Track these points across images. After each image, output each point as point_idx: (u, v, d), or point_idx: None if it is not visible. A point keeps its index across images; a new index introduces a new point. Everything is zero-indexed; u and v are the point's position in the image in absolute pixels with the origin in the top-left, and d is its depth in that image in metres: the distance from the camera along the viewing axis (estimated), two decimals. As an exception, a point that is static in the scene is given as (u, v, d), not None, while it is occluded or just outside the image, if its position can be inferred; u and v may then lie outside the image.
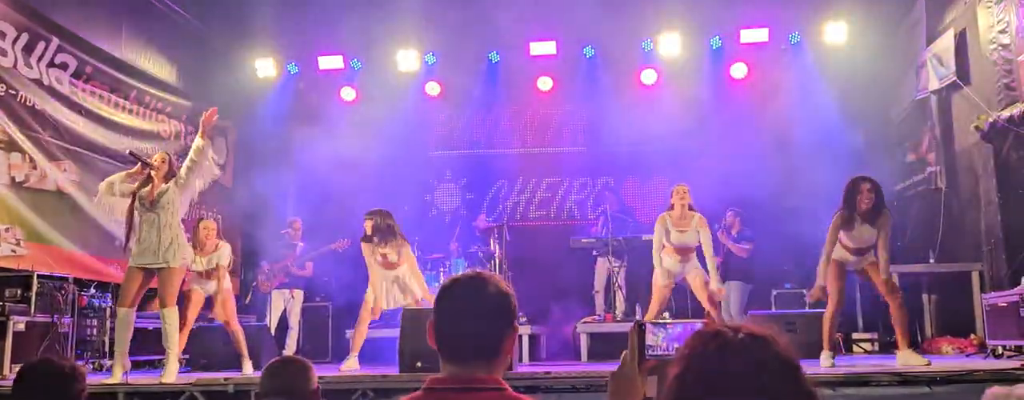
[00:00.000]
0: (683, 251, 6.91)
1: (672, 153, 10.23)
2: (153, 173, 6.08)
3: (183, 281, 6.50)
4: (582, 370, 6.16)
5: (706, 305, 6.82)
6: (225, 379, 5.82)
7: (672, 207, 6.99)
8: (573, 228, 10.55)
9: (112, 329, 7.93)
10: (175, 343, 6.04)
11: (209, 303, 7.28)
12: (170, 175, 6.09)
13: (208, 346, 7.88)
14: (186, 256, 6.13)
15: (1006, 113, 7.03)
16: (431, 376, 1.84)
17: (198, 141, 6.08)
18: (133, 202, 6.04)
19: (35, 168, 7.61)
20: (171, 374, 5.92)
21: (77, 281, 7.59)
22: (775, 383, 1.29)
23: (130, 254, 6.10)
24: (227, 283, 7.16)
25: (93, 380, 5.17)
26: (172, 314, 6.00)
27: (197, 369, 7.67)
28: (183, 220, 6.27)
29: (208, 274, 7.02)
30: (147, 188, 6.05)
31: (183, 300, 6.94)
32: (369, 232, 7.17)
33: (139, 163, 6.16)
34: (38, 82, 7.75)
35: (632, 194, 10.98)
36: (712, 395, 1.30)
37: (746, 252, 8.89)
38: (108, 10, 8.86)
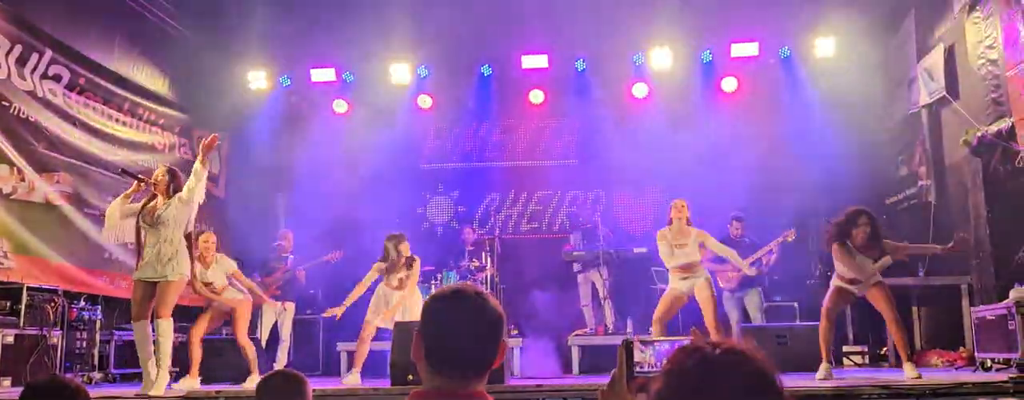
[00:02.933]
0: (686, 268, 6.87)
1: (663, 166, 10.28)
2: (154, 187, 6.10)
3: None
4: (574, 383, 6.16)
5: (708, 320, 6.70)
6: (216, 392, 5.81)
7: (670, 222, 6.99)
8: (565, 241, 10.57)
9: (103, 342, 7.93)
10: (167, 355, 5.99)
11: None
12: (175, 189, 6.11)
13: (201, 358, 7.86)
14: (186, 271, 6.10)
15: (994, 127, 7.10)
16: (414, 388, 1.84)
17: (196, 165, 6.13)
18: (139, 217, 6.07)
19: (23, 180, 7.58)
20: (160, 386, 5.88)
21: (67, 293, 7.55)
22: (754, 397, 1.32)
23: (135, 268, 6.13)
24: (234, 293, 7.11)
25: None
26: (166, 325, 5.96)
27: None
28: (189, 234, 6.25)
29: (212, 288, 7.01)
30: (151, 203, 6.08)
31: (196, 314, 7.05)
32: (392, 257, 7.26)
33: (134, 180, 6.17)
34: (32, 94, 7.75)
35: (624, 207, 11.01)
36: None
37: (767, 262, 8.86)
38: (102, 22, 8.87)
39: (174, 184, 6.11)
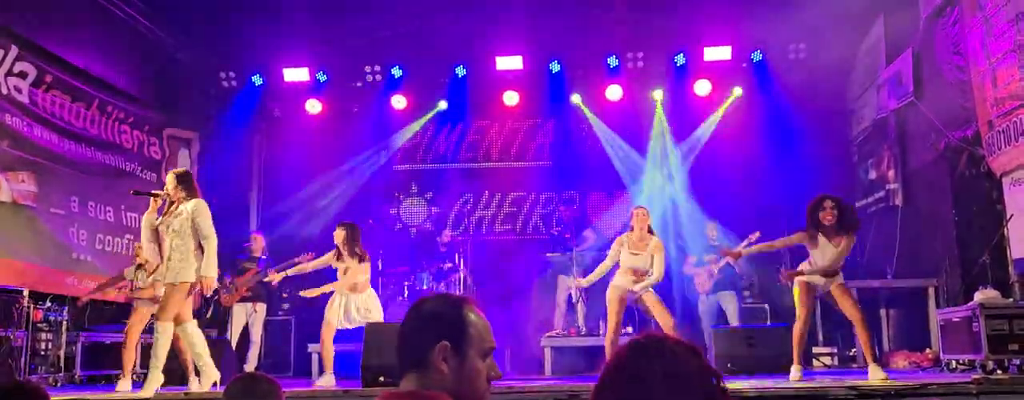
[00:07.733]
0: (636, 272, 6.84)
1: (636, 168, 10.33)
2: (168, 196, 6.11)
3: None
4: (546, 384, 6.16)
5: (661, 322, 6.74)
6: (185, 394, 5.74)
7: (631, 229, 6.99)
8: (538, 242, 10.59)
9: (69, 343, 7.81)
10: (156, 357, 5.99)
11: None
12: (189, 195, 6.13)
13: (168, 361, 7.75)
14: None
15: (960, 132, 7.21)
16: (384, 390, 1.86)
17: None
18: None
19: (-11, 178, 7.45)
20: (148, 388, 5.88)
21: (33, 294, 7.43)
22: (687, 391, 1.40)
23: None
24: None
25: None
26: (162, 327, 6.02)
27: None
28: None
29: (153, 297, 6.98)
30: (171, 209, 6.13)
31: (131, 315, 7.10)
32: (338, 242, 7.22)
33: (149, 196, 6.20)
34: (-5, 91, 7.61)
35: (597, 209, 11.05)
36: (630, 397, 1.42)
37: (738, 266, 8.95)
38: (69, 19, 8.72)
39: (188, 188, 6.13)
